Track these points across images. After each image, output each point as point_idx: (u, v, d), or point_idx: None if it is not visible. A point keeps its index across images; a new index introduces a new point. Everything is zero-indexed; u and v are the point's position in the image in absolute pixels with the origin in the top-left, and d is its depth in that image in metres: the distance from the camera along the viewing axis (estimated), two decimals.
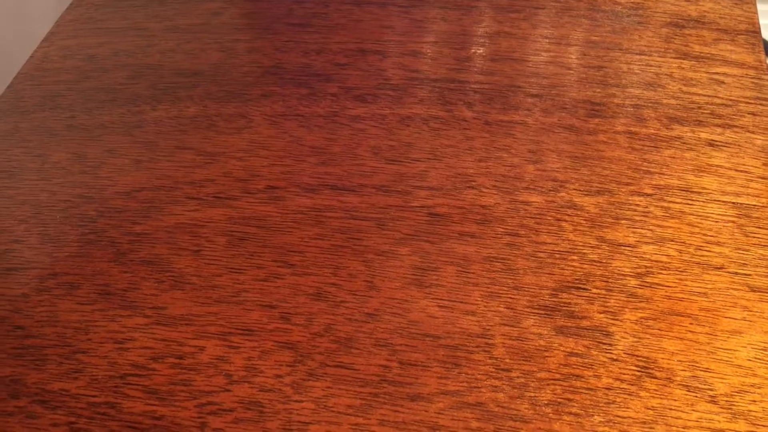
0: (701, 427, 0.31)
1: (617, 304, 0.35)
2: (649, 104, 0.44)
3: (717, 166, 0.41)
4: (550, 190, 0.40)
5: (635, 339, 0.34)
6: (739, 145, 0.42)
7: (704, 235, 0.38)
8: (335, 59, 0.48)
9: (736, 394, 0.32)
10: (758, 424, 0.31)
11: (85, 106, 0.47)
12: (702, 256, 0.37)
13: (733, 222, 0.38)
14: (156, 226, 0.40)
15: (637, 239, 0.38)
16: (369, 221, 0.39)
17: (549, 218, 0.39)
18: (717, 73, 0.46)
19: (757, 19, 0.49)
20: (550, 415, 0.32)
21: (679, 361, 0.33)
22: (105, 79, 0.49)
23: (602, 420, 0.32)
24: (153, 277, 0.37)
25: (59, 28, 0.53)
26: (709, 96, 0.45)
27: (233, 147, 0.43)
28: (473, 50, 0.48)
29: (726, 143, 0.42)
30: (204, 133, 0.44)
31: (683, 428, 0.31)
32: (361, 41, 0.49)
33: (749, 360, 0.33)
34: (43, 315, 0.36)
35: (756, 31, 0.49)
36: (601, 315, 0.35)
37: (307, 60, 0.48)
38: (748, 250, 0.37)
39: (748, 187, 0.40)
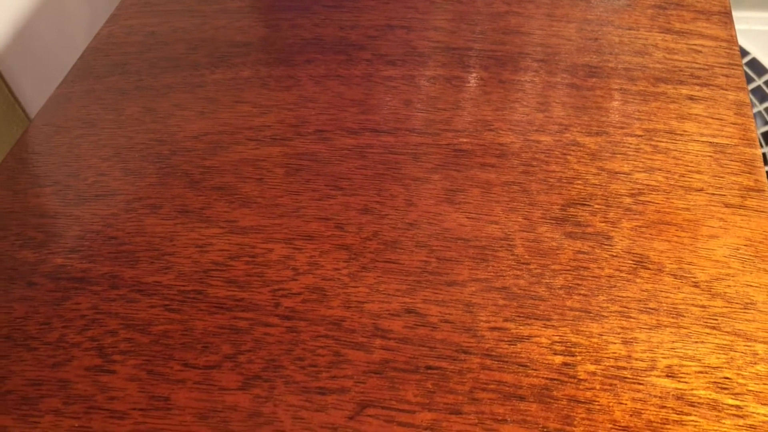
0: (686, 304, 0.38)
1: (615, 216, 0.42)
2: (638, 68, 0.52)
3: (696, 114, 0.49)
4: (557, 132, 0.47)
5: (631, 241, 0.41)
6: (714, 99, 0.50)
7: (686, 165, 0.45)
8: (367, 33, 0.55)
9: (714, 280, 0.39)
10: (732, 302, 0.38)
11: (151, 72, 0.54)
12: (685, 181, 0.44)
13: (710, 156, 0.46)
14: (223, 161, 0.47)
15: (631, 168, 0.45)
16: (405, 155, 0.46)
17: (556, 153, 0.46)
18: (695, 45, 0.54)
19: (729, 2, 0.58)
20: (563, 295, 0.39)
21: (667, 257, 0.40)
22: (166, 50, 0.56)
23: (605, 299, 0.38)
24: (224, 199, 0.44)
25: (120, 11, 0.61)
26: (688, 62, 0.53)
27: (284, 101, 0.50)
28: (486, 26, 0.55)
29: (704, 98, 0.50)
30: (258, 91, 0.51)
31: (671, 305, 0.38)
32: (389, 19, 0.57)
33: (725, 256, 0.40)
34: (132, 228, 0.43)
35: (727, 12, 0.57)
36: (603, 224, 0.42)
37: (343, 33, 0.56)
38: (723, 177, 0.45)
39: (722, 130, 0.47)
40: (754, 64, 0.96)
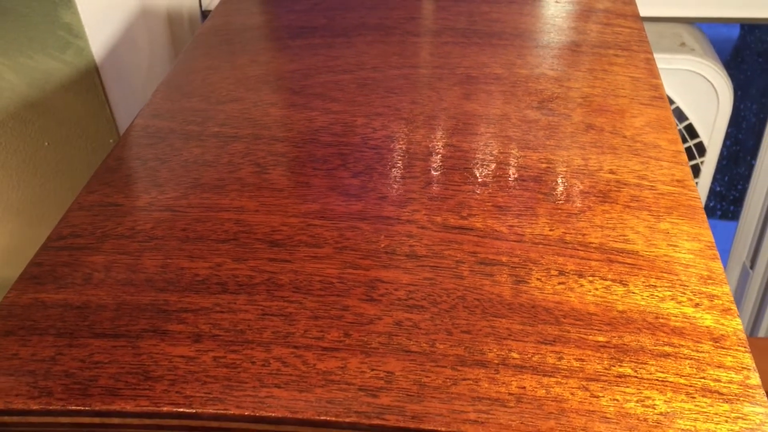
0: (619, 144, 0.62)
1: (572, 106, 0.67)
2: (582, 41, 0.78)
3: (620, 63, 0.74)
4: (531, 68, 0.72)
5: (583, 117, 0.65)
6: (631, 57, 0.76)
7: (615, 85, 0.70)
8: (397, 21, 0.81)
9: (635, 135, 0.63)
10: (647, 145, 0.62)
11: (250, 42, 0.78)
12: (615, 92, 0.69)
13: (630, 82, 0.71)
14: (312, 82, 0.70)
15: (580, 85, 0.70)
16: (433, 78, 0.70)
17: (532, 78, 0.71)
18: (617, 30, 0.81)
19: (638, 10, 0.85)
20: (543, 139, 0.62)
21: (606, 125, 0.65)
22: (257, 32, 0.80)
23: (570, 141, 0.62)
24: (318, 99, 0.67)
25: (215, 12, 0.85)
26: (613, 38, 0.79)
27: (346, 54, 0.75)
28: (477, 18, 0.81)
29: (624, 55, 0.76)
30: (327, 49, 0.76)
31: (610, 144, 0.62)
32: (410, 14, 0.82)
33: (641, 126, 0.65)
34: (260, 114, 0.66)
35: (637, 16, 0.84)
36: (565, 110, 0.66)
37: (380, 21, 0.81)
38: (638, 91, 0.70)
39: (637, 71, 0.73)
40: None
